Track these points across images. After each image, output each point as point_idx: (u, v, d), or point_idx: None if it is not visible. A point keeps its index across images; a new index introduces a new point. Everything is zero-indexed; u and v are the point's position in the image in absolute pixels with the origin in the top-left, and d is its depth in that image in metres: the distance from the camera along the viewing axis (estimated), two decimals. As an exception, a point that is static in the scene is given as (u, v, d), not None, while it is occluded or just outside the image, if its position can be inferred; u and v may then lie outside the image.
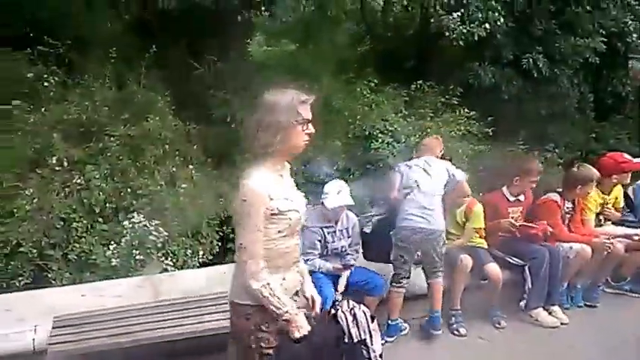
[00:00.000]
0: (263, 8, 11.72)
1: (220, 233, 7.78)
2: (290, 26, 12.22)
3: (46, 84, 8.43)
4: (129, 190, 7.46)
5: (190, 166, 8.24)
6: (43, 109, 8.05)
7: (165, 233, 6.75)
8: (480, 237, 5.95)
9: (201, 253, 7.28)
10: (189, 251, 7.13)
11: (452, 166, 5.55)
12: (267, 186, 2.73)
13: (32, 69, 8.59)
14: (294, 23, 11.51)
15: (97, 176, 7.42)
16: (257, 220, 2.70)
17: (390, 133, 9.34)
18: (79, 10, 9.93)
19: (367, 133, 9.41)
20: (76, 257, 6.85)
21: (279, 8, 10.26)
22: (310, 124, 2.78)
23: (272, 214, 2.75)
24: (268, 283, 2.75)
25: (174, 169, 8.00)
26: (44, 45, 8.69)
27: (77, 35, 9.43)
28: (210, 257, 7.45)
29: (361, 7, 13.66)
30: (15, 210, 7.03)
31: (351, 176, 8.86)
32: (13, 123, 7.83)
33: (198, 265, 7.11)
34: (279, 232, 2.80)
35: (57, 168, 7.37)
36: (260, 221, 2.71)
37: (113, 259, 6.51)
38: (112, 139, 7.81)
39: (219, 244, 7.67)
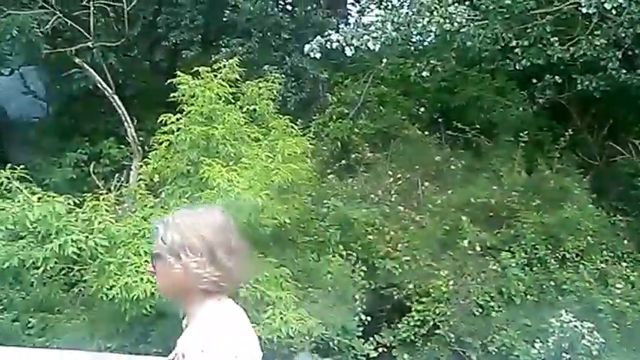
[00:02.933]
0: None
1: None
2: None
3: (452, 167, 8.86)
4: (551, 283, 7.23)
5: (623, 264, 7.58)
6: (449, 192, 8.34)
7: (602, 339, 6.27)
8: None
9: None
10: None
11: None
12: None
13: (440, 152, 9.14)
14: None
15: (514, 264, 7.33)
16: None
17: None
18: (489, 95, 10.17)
19: None
20: (496, 350, 6.80)
21: None
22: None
23: None
24: None
25: (602, 265, 7.48)
26: (452, 130, 9.32)
27: (485, 120, 9.77)
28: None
29: None
30: (430, 290, 7.25)
31: None
32: (423, 203, 8.30)
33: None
34: None
35: (469, 252, 7.51)
36: None
37: (538, 359, 6.37)
38: (524, 226, 7.66)
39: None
